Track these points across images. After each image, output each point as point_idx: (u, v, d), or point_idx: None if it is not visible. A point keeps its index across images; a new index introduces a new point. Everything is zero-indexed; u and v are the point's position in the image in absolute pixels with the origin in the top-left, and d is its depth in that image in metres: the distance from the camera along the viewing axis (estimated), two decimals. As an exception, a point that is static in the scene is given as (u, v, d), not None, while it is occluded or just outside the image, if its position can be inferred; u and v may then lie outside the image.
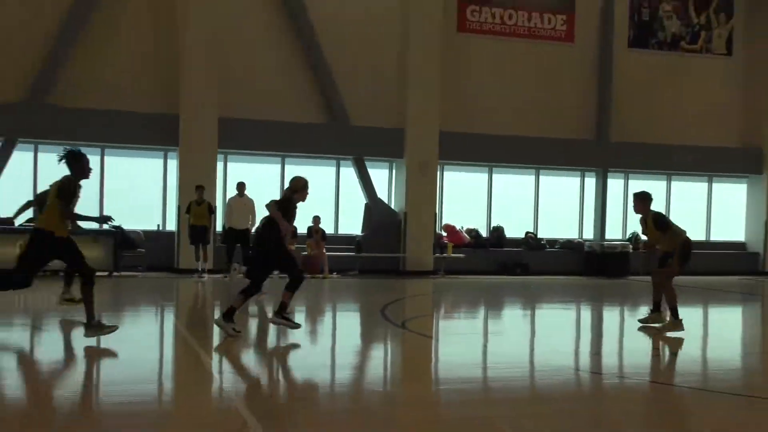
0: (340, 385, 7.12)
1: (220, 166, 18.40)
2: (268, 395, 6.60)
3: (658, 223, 10.29)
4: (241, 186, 16.57)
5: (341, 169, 19.74)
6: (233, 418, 5.59)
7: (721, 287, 17.48)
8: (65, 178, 8.02)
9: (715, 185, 22.57)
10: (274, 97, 18.56)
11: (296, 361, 8.20)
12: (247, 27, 18.43)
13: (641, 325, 10.29)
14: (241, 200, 16.49)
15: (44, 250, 7.95)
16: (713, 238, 22.36)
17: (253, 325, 10.78)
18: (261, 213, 16.98)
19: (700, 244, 22.09)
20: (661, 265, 10.57)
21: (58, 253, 8.02)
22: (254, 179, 18.48)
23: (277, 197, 8.80)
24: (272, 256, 8.91)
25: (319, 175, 19.72)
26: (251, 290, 8.90)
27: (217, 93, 17.74)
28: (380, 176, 19.95)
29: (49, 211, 7.98)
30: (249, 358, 8.37)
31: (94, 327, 8.10)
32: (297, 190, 9.22)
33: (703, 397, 6.82)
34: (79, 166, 8.08)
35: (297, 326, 9.09)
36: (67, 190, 7.90)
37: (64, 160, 8.08)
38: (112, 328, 8.26)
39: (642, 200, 10.52)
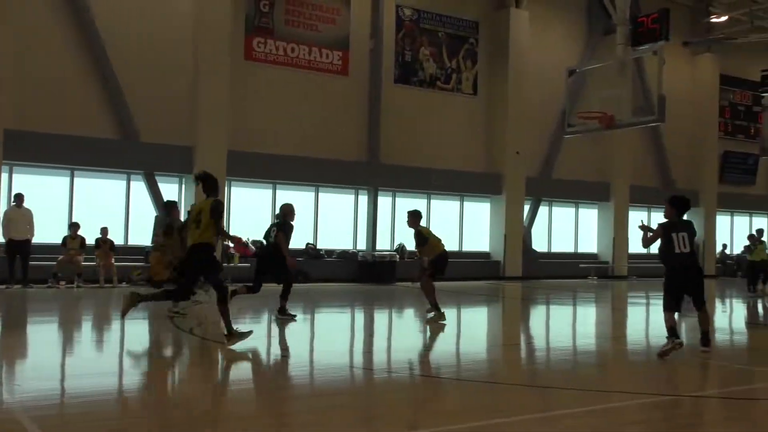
0: (128, 391, 6.63)
1: (5, 177, 16.70)
2: (53, 404, 5.97)
3: (416, 237, 11.56)
4: (19, 197, 15.36)
5: (132, 182, 18.70)
6: (14, 428, 4.99)
7: (471, 291, 18.57)
8: (215, 200, 8.57)
9: (465, 203, 24.02)
10: (64, 111, 17.21)
11: (84, 369, 7.53)
12: (38, 39, 16.95)
13: (429, 320, 11.37)
14: (20, 211, 15.27)
15: (209, 260, 8.58)
16: (464, 248, 23.74)
17: (37, 335, 9.82)
18: (39, 224, 15.82)
19: (454, 254, 23.40)
20: (423, 272, 11.69)
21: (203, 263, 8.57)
22: (42, 191, 17.11)
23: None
24: (276, 269, 10.84)
25: (108, 188, 18.61)
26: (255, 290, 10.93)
27: (3, 103, 16.14)
28: (171, 190, 19.13)
29: (206, 228, 8.44)
30: (29, 367, 7.57)
31: (235, 336, 8.43)
32: (287, 213, 11.00)
33: (457, 385, 7.13)
34: (215, 186, 8.68)
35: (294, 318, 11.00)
36: (217, 211, 8.47)
37: (202, 182, 8.63)
38: (249, 333, 8.63)
39: (413, 217, 11.81)
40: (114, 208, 18.49)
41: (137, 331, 10.26)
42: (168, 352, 9.08)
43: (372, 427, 5.55)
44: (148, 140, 18.20)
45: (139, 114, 18.11)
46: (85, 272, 16.24)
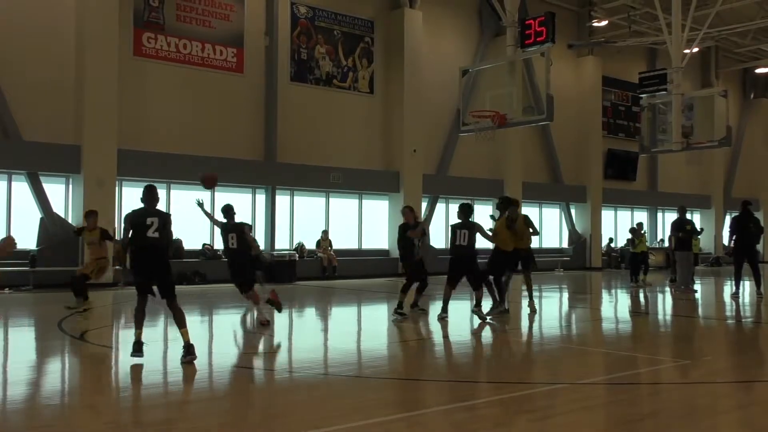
0: (13, 402, 6.28)
1: None
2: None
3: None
4: None
5: (13, 182, 17.72)
6: None
7: (371, 288, 18.69)
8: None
9: (364, 201, 24.15)
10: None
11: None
12: None
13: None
14: None
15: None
16: (364, 246, 23.87)
17: None
18: None
19: (354, 252, 23.53)
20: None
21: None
22: None
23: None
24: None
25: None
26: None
27: None
28: (57, 191, 18.26)
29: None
30: None
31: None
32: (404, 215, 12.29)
33: (358, 382, 7.18)
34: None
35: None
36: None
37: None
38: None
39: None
40: (-6, 210, 17.50)
41: (22, 339, 9.76)
42: (56, 360, 8.68)
43: (273, 427, 5.51)
44: (31, 139, 17.32)
45: (21, 111, 17.21)
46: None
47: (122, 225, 8.06)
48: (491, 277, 12.25)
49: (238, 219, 11.10)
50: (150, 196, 8.07)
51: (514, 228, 12.23)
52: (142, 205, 8.02)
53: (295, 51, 22.24)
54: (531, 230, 12.62)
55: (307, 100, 22.31)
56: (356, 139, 23.45)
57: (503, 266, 12.37)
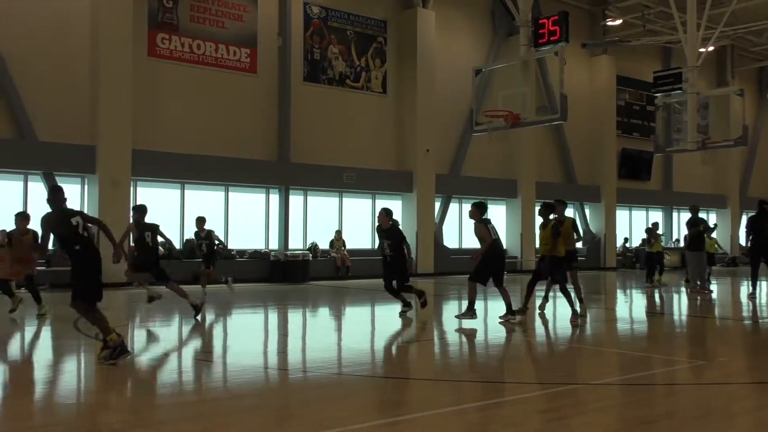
0: (34, 401, 6.33)
1: None
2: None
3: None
4: None
5: (30, 183, 17.87)
6: None
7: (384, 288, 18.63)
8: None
9: (377, 201, 24.12)
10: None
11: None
12: None
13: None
14: None
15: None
16: (377, 246, 23.82)
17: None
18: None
19: (367, 252, 23.47)
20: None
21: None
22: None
23: None
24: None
25: (4, 189, 17.75)
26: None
27: None
28: (72, 191, 18.37)
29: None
30: None
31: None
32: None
33: (371, 382, 7.18)
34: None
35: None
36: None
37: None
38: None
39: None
40: (11, 210, 17.62)
41: (40, 337, 9.82)
42: (74, 358, 8.74)
43: (286, 427, 5.52)
44: (47, 139, 17.45)
45: (36, 112, 17.35)
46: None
47: (42, 230, 7.35)
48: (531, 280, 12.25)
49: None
50: (60, 196, 7.47)
51: (558, 235, 11.53)
52: (56, 207, 7.43)
53: (308, 51, 22.28)
54: (576, 235, 12.47)
55: (321, 100, 22.34)
56: (369, 139, 23.45)
57: (556, 270, 11.71)
